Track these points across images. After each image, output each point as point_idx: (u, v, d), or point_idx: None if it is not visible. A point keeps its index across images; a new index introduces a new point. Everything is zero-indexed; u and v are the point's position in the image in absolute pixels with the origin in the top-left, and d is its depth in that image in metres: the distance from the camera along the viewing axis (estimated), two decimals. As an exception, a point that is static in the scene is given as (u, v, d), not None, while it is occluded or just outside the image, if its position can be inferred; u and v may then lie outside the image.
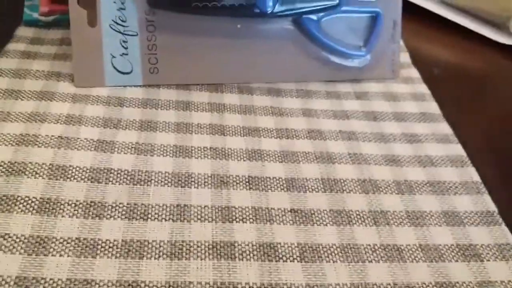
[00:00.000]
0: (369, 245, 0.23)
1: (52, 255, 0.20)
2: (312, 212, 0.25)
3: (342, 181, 0.27)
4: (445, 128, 0.32)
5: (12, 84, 0.29)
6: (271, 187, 0.26)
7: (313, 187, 0.26)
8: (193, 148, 0.27)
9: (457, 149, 0.30)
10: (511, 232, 0.25)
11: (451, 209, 0.26)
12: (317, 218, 0.24)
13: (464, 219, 0.26)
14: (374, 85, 0.35)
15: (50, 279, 0.19)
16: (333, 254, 0.23)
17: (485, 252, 0.24)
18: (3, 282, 0.19)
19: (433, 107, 0.34)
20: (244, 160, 0.27)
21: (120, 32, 0.30)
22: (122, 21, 0.30)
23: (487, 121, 0.34)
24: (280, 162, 0.27)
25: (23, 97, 0.28)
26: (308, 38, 0.33)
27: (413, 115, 0.33)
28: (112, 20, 0.30)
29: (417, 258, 0.23)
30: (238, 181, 0.26)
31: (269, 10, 0.31)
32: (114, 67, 0.31)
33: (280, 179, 0.26)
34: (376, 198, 0.26)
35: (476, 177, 0.28)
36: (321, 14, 0.33)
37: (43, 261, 0.20)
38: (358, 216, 0.25)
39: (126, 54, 0.31)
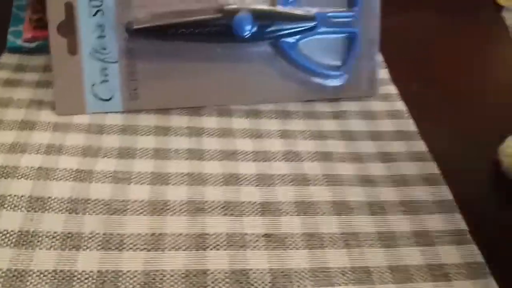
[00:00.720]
0: (339, 268, 0.24)
1: (28, 289, 0.21)
2: (285, 236, 0.25)
3: (315, 203, 0.27)
4: (420, 146, 0.33)
5: (-5, 114, 0.30)
6: (245, 212, 0.26)
7: (287, 211, 0.27)
8: (170, 175, 0.28)
9: (431, 168, 0.31)
10: (480, 250, 0.26)
11: (422, 229, 0.27)
12: (290, 242, 0.25)
13: (434, 238, 0.26)
14: (352, 103, 0.36)
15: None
16: (303, 278, 0.23)
17: (453, 271, 0.25)
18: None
19: (409, 124, 0.34)
20: (220, 185, 0.28)
21: (100, 60, 0.31)
22: (103, 48, 0.31)
23: (463, 137, 0.35)
24: (256, 186, 0.28)
25: (5, 127, 0.29)
26: (286, 60, 0.34)
27: (389, 133, 0.33)
28: (93, 48, 0.31)
29: (386, 280, 0.24)
30: (213, 207, 0.26)
31: (247, 34, 0.32)
32: (95, 95, 0.31)
33: (255, 204, 0.27)
34: (348, 219, 0.27)
35: (449, 196, 0.29)
36: (299, 36, 0.34)
37: (19, 296, 0.20)
38: (330, 239, 0.25)
39: (107, 81, 0.31)
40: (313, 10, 0.34)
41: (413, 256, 0.25)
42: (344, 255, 0.25)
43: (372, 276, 0.24)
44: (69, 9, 0.30)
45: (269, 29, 0.33)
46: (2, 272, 0.21)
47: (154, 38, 0.31)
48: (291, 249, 0.25)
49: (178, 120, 0.32)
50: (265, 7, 0.33)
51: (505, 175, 0.31)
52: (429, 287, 0.24)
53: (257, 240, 0.25)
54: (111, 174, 0.27)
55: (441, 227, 0.27)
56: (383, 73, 0.39)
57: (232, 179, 0.28)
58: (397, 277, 0.24)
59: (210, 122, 0.32)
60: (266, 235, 0.25)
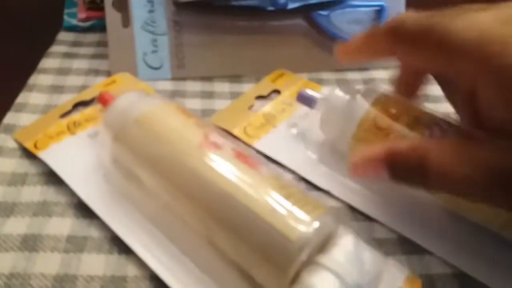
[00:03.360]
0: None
1: None
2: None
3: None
4: (447, 108, 0.34)
5: (57, 81, 0.34)
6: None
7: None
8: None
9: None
10: None
11: None
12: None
13: None
14: (381, 72, 0.38)
15: None
16: None
17: None
18: None
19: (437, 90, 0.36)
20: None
21: (150, 32, 0.34)
22: (152, 22, 0.34)
23: None
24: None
25: (67, 91, 0.32)
26: (318, 32, 0.37)
27: (418, 97, 0.35)
28: (144, 22, 0.34)
29: None
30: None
31: (282, 6, 0.35)
32: (146, 63, 0.34)
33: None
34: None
35: None
36: (330, 9, 0.36)
37: None
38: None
39: (156, 52, 0.34)
40: (343, -15, 0.36)
41: None
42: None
43: None
44: (123, -13, 0.34)
45: (303, 1, 0.36)
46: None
47: (199, 11, 0.34)
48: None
49: (221, 86, 0.35)
50: (299, -18, 0.36)
51: None
52: None
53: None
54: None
55: None
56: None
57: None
58: None
59: (249, 87, 0.35)
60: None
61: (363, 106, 0.25)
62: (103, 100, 0.26)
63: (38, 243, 0.23)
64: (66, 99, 0.32)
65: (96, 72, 0.35)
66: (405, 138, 0.23)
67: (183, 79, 0.35)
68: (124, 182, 0.25)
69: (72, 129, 0.28)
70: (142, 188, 0.24)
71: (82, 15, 0.39)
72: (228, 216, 0.20)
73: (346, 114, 0.26)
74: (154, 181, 0.23)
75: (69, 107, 0.30)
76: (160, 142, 0.23)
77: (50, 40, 0.38)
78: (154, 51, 0.34)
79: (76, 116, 0.29)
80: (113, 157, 0.25)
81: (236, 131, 0.30)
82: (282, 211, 0.19)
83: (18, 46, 0.37)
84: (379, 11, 0.37)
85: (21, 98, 0.32)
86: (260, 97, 0.33)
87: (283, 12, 0.35)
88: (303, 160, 0.28)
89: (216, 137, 0.23)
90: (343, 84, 0.36)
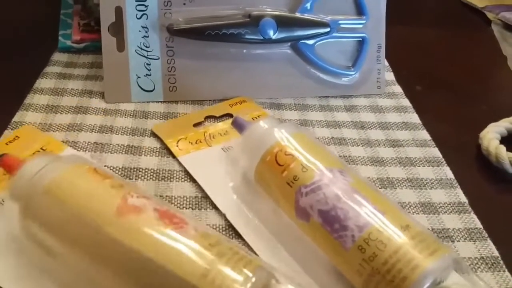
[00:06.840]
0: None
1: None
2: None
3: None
4: (424, 134, 0.37)
5: (52, 101, 0.35)
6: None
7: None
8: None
9: (434, 152, 0.35)
10: (479, 218, 0.30)
11: (427, 200, 0.31)
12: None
13: (438, 208, 0.30)
14: (362, 99, 0.40)
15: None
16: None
17: (456, 234, 0.29)
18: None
19: (414, 117, 0.39)
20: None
21: (144, 56, 0.36)
22: (146, 47, 0.36)
23: (459, 128, 0.39)
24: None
25: (62, 111, 0.33)
26: (304, 60, 0.39)
27: (396, 124, 0.38)
28: (138, 46, 0.36)
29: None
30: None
31: (270, 36, 0.37)
32: (139, 86, 0.36)
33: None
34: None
35: (450, 175, 0.33)
36: (315, 39, 0.39)
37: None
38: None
39: (149, 75, 0.36)
40: (327, 18, 0.39)
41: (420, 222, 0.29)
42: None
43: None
44: (119, 13, 0.35)
45: (290, 32, 0.38)
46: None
47: (192, 38, 0.36)
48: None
49: (211, 109, 0.36)
50: (286, 13, 0.38)
51: (484, 156, 0.35)
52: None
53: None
54: (157, 150, 0.31)
55: (444, 200, 0.31)
56: (389, 76, 0.44)
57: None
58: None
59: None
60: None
61: (273, 139, 0.26)
62: (7, 166, 0.23)
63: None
64: (62, 119, 0.33)
65: (90, 93, 0.36)
66: (296, 178, 0.24)
67: (175, 101, 0.36)
68: (40, 255, 0.22)
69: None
70: (60, 262, 0.22)
71: (77, 37, 0.41)
72: (155, 286, 0.19)
73: (257, 143, 0.26)
74: (72, 255, 0.21)
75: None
76: (73, 212, 0.21)
77: (45, 60, 0.39)
78: (147, 75, 0.36)
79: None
80: (25, 230, 0.22)
81: (169, 142, 0.31)
82: (212, 274, 0.19)
83: (13, 66, 0.38)
84: (361, 42, 0.40)
85: (18, 117, 0.33)
86: (211, 117, 0.35)
87: (270, 41, 0.37)
88: (219, 185, 0.28)
89: (136, 199, 0.21)
90: (326, 110, 0.38)
